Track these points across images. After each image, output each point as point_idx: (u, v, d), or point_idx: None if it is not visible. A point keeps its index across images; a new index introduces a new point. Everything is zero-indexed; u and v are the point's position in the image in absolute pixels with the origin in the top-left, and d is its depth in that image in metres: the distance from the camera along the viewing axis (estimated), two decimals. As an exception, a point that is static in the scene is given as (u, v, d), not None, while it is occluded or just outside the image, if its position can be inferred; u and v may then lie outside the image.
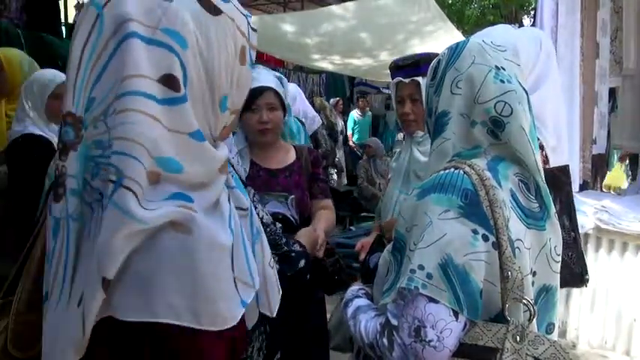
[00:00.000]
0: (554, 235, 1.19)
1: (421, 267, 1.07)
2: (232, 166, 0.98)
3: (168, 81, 0.74)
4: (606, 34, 4.07)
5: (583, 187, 4.13)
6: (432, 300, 1.05)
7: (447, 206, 1.09)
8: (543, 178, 1.19)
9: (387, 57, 6.99)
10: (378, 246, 1.83)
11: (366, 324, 1.20)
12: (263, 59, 10.92)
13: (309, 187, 2.30)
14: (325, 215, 2.22)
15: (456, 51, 1.23)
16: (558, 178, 1.75)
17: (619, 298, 3.50)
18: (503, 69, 1.18)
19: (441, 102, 1.22)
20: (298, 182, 2.25)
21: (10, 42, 5.03)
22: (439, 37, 6.71)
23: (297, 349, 1.99)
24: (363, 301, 1.32)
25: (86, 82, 0.74)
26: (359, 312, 1.27)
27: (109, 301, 0.71)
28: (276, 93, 2.14)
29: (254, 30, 0.89)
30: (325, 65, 7.82)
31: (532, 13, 13.56)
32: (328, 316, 2.09)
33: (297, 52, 7.55)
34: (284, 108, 2.20)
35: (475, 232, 1.07)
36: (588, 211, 3.59)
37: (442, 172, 1.16)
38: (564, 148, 2.10)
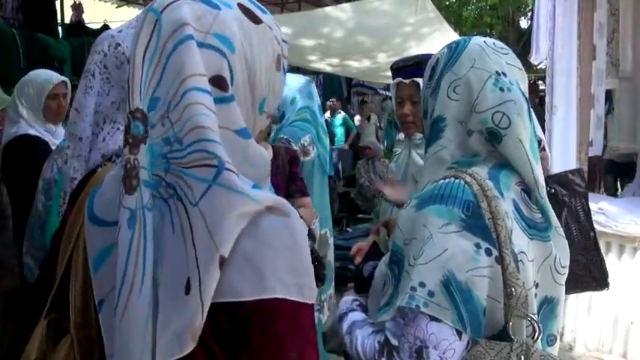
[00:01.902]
0: (559, 247, 1.14)
1: (422, 284, 1.01)
2: None
3: (218, 81, 0.79)
4: (603, 36, 4.08)
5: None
6: (434, 319, 1.00)
7: (447, 219, 1.03)
8: (543, 194, 1.13)
9: (384, 59, 6.99)
10: (374, 254, 1.79)
11: (364, 341, 1.15)
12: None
13: (286, 186, 2.34)
14: (302, 213, 2.24)
15: (455, 52, 1.17)
16: (572, 181, 1.72)
17: (616, 300, 3.49)
18: (504, 74, 1.13)
19: (438, 106, 1.17)
20: (275, 183, 2.26)
21: (5, 42, 5.02)
22: (436, 39, 6.69)
23: None
24: (358, 315, 1.26)
25: (148, 83, 0.79)
26: (355, 327, 1.21)
27: (220, 285, 0.73)
28: None
29: (285, 42, 0.95)
30: (322, 66, 7.81)
31: (529, 14, 13.59)
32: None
33: (294, 53, 7.54)
34: None
35: (478, 246, 1.02)
36: (585, 213, 3.59)
37: (442, 181, 1.10)
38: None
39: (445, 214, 1.04)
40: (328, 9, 7.15)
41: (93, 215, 0.85)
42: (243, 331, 0.76)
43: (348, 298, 1.34)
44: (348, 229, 6.70)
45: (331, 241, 3.15)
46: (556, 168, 3.44)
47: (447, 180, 1.09)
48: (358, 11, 6.81)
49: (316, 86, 10.41)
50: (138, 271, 0.75)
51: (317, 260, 2.07)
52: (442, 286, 0.99)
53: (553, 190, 1.58)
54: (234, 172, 0.75)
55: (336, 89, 10.95)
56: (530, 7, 12.26)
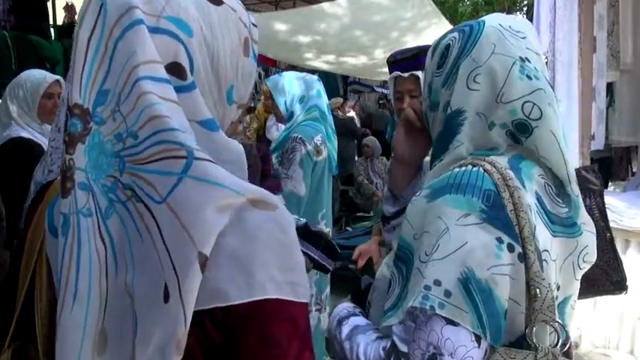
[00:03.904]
0: (588, 242, 1.04)
1: (437, 282, 0.89)
2: None
3: (176, 69, 0.73)
4: (603, 28, 4.02)
5: (582, 183, 4.07)
6: (450, 322, 0.88)
7: (466, 209, 0.92)
8: (576, 190, 1.04)
9: (381, 54, 6.94)
10: (369, 271, 1.69)
11: (366, 348, 1.02)
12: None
13: (260, 184, 2.30)
14: None
15: (471, 36, 1.04)
16: (586, 179, 1.64)
17: (622, 296, 3.43)
18: (528, 60, 1.02)
19: (455, 98, 1.04)
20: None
21: (-3, 44, 4.96)
22: (433, 34, 6.65)
23: None
24: (361, 320, 1.12)
25: (95, 74, 0.72)
26: (356, 332, 1.08)
27: (205, 289, 0.66)
28: None
29: (255, 25, 0.87)
30: (319, 64, 7.75)
31: (525, 9, 13.57)
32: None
33: (290, 51, 7.49)
34: None
35: (499, 240, 0.91)
36: (588, 208, 3.54)
37: (457, 169, 0.99)
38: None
39: (463, 204, 0.93)
40: (324, 4, 7.08)
41: (53, 227, 0.77)
42: (233, 337, 0.69)
43: (349, 304, 1.22)
44: (347, 228, 6.64)
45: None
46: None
47: (464, 168, 0.98)
48: (354, 6, 6.75)
49: (312, 84, 10.40)
50: (70, 284, 0.67)
51: (329, 244, 2.00)
52: (460, 285, 0.88)
53: None
54: (210, 161, 0.68)
55: (333, 88, 10.85)
56: (525, 2, 12.23)
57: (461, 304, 0.88)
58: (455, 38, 1.08)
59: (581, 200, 1.05)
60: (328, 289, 3.08)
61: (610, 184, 4.92)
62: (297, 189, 2.75)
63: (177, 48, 0.73)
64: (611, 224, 3.39)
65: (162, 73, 0.71)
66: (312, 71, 9.46)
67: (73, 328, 0.67)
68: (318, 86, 2.98)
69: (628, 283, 1.67)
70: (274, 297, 0.68)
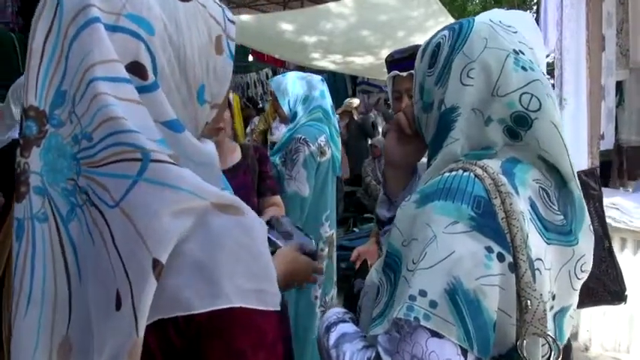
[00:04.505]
0: (586, 250, 1.00)
1: (423, 293, 0.86)
2: None
3: (136, 69, 0.70)
4: (612, 26, 3.97)
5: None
6: (435, 334, 0.84)
7: (455, 217, 0.89)
8: (579, 186, 1.00)
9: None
10: (364, 274, 1.66)
11: (352, 357, 0.99)
12: (263, 59, 10.87)
13: (257, 185, 2.34)
14: (273, 212, 2.25)
15: (461, 33, 1.03)
16: (586, 183, 1.57)
17: (632, 298, 3.38)
18: (522, 53, 0.99)
19: (449, 95, 1.01)
20: (244, 182, 2.26)
21: (4, 46, 4.98)
22: (441, 33, 6.62)
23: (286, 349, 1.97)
24: (349, 327, 1.09)
25: (52, 75, 0.70)
26: (343, 340, 1.04)
27: (165, 297, 0.64)
28: None
29: (232, 22, 0.84)
30: (326, 64, 7.71)
31: (535, 8, 13.45)
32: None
33: (297, 51, 7.46)
34: (231, 107, 2.25)
35: (489, 249, 0.87)
36: (598, 209, 3.48)
37: (447, 174, 0.96)
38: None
39: (452, 211, 0.89)
40: (330, 4, 7.06)
41: None
42: (196, 346, 0.66)
43: (339, 310, 1.18)
44: (354, 229, 6.61)
45: (335, 242, 3.10)
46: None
47: (454, 173, 0.95)
48: (360, 6, 6.73)
49: (320, 85, 10.39)
50: (24, 288, 0.66)
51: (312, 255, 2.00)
52: (446, 296, 0.85)
53: None
54: (170, 163, 0.65)
55: (341, 88, 10.82)
56: (535, 0, 12.14)
57: (447, 315, 0.85)
58: (445, 36, 1.06)
59: (583, 200, 1.01)
60: (334, 291, 3.06)
61: (617, 183, 4.82)
62: (301, 190, 2.73)
63: (138, 47, 0.70)
64: (621, 225, 3.37)
65: (122, 72, 0.68)
66: (320, 71, 9.47)
67: (27, 330, 0.66)
68: (322, 86, 2.96)
69: (631, 291, 1.60)
70: (238, 306, 0.66)
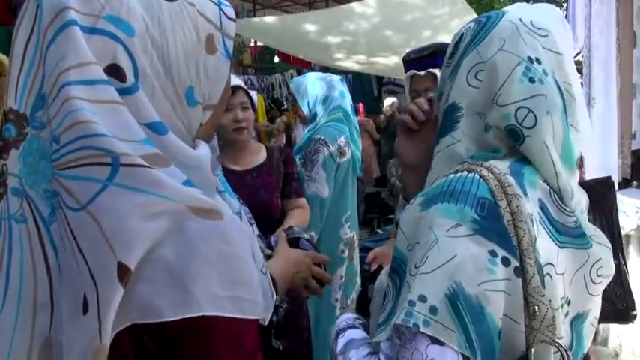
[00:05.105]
0: (602, 254, 0.96)
1: (423, 298, 0.83)
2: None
3: (115, 71, 0.69)
4: (643, 21, 3.85)
5: (622, 185, 3.90)
6: (435, 341, 0.82)
7: (457, 220, 0.86)
8: (573, 208, 0.97)
9: (413, 54, 6.85)
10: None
11: None
12: (289, 61, 10.89)
13: (282, 186, 2.33)
14: (297, 214, 2.26)
15: (484, 28, 0.98)
16: (600, 193, 1.43)
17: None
18: (538, 62, 0.94)
19: (454, 91, 0.98)
20: (267, 183, 2.25)
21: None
22: (466, 32, 6.54)
23: (306, 354, 1.99)
24: (357, 334, 1.07)
25: (32, 78, 0.70)
26: (350, 347, 1.02)
27: (136, 302, 0.63)
28: (247, 92, 2.18)
29: (232, 20, 0.82)
30: (350, 65, 7.70)
31: (564, 5, 13.21)
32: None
33: (320, 51, 7.46)
34: (254, 108, 2.25)
35: (493, 253, 0.84)
36: (629, 210, 3.37)
37: (452, 175, 0.93)
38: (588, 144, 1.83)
39: (455, 214, 0.86)
40: (353, 4, 7.04)
41: None
42: (170, 352, 0.65)
43: (350, 315, 1.16)
44: (378, 230, 6.56)
45: (356, 243, 3.07)
46: (597, 165, 3.25)
47: (459, 174, 0.92)
48: (383, 6, 6.69)
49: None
50: (0, 286, 0.67)
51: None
52: (447, 301, 0.82)
53: None
54: (141, 166, 0.64)
55: (367, 89, 10.76)
56: (564, -3, 11.91)
57: (447, 321, 0.82)
58: (470, 28, 1.02)
59: (583, 216, 0.98)
60: (355, 294, 3.02)
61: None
62: (320, 191, 2.70)
63: (116, 49, 0.69)
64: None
65: (99, 74, 0.67)
66: (345, 72, 9.44)
67: (3, 327, 0.67)
68: (342, 86, 2.93)
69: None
70: (212, 314, 0.65)
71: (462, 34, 1.03)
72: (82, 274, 0.63)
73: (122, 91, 0.69)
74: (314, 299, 2.73)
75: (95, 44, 0.68)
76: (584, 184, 1.45)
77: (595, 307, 0.99)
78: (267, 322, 0.87)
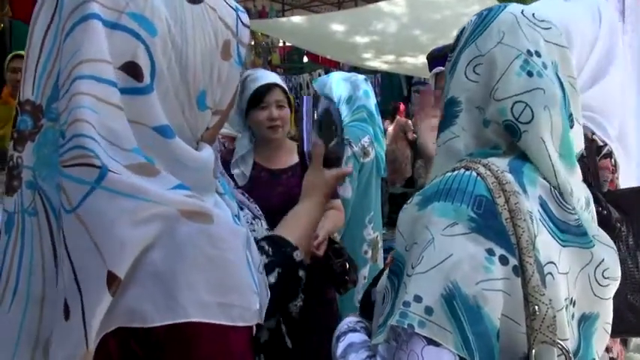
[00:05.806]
0: (605, 255, 0.92)
1: (418, 298, 0.81)
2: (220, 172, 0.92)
3: (132, 69, 0.68)
4: (681, 18, 3.73)
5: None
6: (431, 342, 0.80)
7: (453, 218, 0.84)
8: (573, 204, 0.93)
9: (442, 53, 6.77)
10: None
11: None
12: (317, 61, 10.90)
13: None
14: (332, 215, 2.21)
15: (484, 21, 0.96)
16: (635, 201, 1.34)
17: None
18: (538, 55, 0.92)
19: (453, 85, 0.97)
20: (299, 183, 2.23)
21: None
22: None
23: (306, 349, 1.94)
24: (357, 337, 1.05)
25: (50, 69, 0.69)
26: (350, 350, 1.01)
27: (122, 307, 0.63)
28: (283, 90, 2.15)
29: (246, 26, 0.82)
30: (378, 64, 7.65)
31: None
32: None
33: (348, 51, 7.44)
34: (290, 106, 2.21)
35: (490, 252, 0.82)
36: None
37: (449, 173, 0.91)
38: (632, 149, 1.70)
39: (451, 212, 0.84)
40: (382, 4, 6.99)
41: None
42: (158, 356, 0.65)
43: (352, 319, 1.14)
44: (406, 231, 6.51)
45: (380, 244, 3.04)
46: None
47: (456, 172, 0.90)
48: (411, 5, 6.63)
49: (374, 86, 10.33)
50: (10, 281, 0.66)
51: (345, 263, 2.00)
52: (443, 302, 0.80)
53: (605, 212, 1.25)
54: (123, 177, 0.63)
55: (396, 88, 10.70)
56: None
57: (443, 322, 0.80)
58: (471, 21, 1.01)
59: (584, 214, 0.94)
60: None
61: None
62: (343, 191, 2.69)
63: (136, 47, 0.68)
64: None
65: (109, 74, 0.66)
66: (374, 72, 9.38)
67: (10, 325, 0.66)
68: (366, 86, 2.92)
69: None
70: (198, 320, 0.64)
71: (464, 28, 1.02)
72: (65, 280, 0.63)
73: (136, 91, 0.68)
74: (337, 300, 2.72)
75: (116, 40, 0.68)
76: (620, 192, 1.40)
77: (605, 311, 0.96)
78: (262, 321, 0.87)
